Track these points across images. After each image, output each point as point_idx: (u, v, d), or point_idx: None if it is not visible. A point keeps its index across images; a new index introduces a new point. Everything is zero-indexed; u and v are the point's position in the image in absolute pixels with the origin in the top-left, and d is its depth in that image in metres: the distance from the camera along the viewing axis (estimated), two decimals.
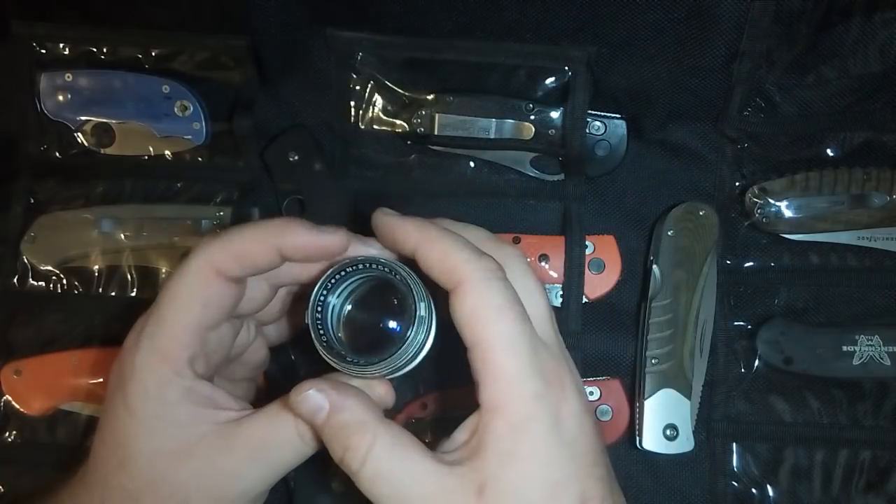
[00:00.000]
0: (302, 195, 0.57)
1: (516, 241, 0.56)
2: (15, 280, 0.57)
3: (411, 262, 0.36)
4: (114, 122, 0.58)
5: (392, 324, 0.38)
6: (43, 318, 0.57)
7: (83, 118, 0.57)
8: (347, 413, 0.33)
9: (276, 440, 0.36)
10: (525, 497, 0.32)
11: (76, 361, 0.55)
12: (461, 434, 0.34)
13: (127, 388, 0.35)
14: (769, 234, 0.57)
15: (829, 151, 0.57)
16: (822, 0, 0.50)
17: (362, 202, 0.58)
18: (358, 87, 0.57)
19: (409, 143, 0.58)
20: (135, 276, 0.57)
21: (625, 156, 0.58)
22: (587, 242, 0.56)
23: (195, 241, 0.57)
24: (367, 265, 0.35)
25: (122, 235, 0.57)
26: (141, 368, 0.35)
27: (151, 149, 0.58)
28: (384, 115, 0.58)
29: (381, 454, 0.32)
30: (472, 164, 0.58)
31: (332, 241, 0.36)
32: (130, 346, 0.36)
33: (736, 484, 0.55)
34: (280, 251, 0.36)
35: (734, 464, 0.55)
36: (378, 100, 0.58)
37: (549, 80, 0.56)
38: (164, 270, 0.58)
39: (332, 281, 0.36)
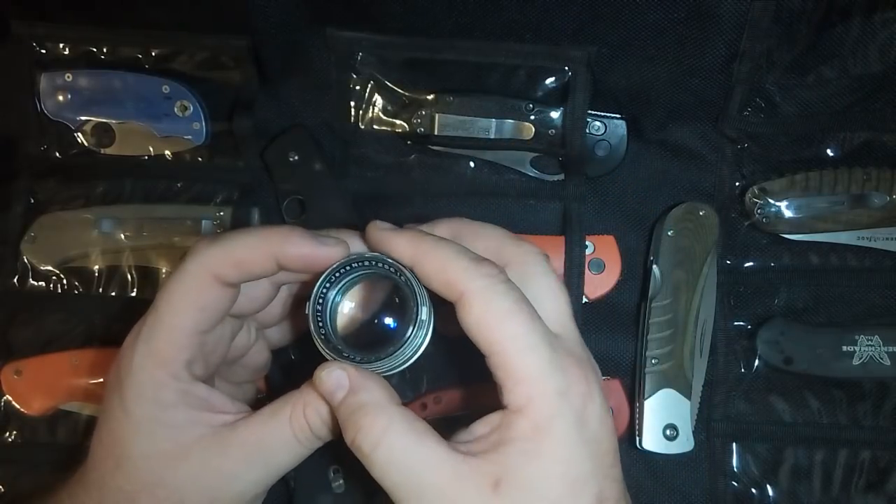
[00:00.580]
0: (302, 195, 0.57)
1: None
2: (15, 280, 0.57)
3: None
4: (114, 122, 0.58)
5: (392, 324, 0.38)
6: (43, 318, 0.57)
7: (83, 118, 0.57)
8: (365, 394, 0.33)
9: (272, 442, 0.36)
10: (542, 495, 0.31)
11: (76, 361, 0.55)
12: (481, 427, 0.34)
13: (123, 390, 0.35)
14: (769, 234, 0.57)
15: (829, 151, 0.57)
16: (822, 0, 0.50)
17: (362, 202, 0.57)
18: (358, 87, 0.57)
19: (409, 143, 0.58)
20: (135, 276, 0.57)
21: (625, 156, 0.58)
22: (587, 242, 0.56)
23: (195, 241, 0.56)
24: (374, 263, 0.35)
25: (122, 235, 0.57)
26: (137, 371, 0.35)
27: (151, 149, 0.58)
28: (384, 115, 0.58)
29: (395, 438, 0.32)
30: (472, 164, 0.58)
31: (330, 253, 0.36)
32: (127, 347, 0.36)
33: (736, 484, 0.55)
34: (277, 260, 0.36)
35: (734, 464, 0.55)
36: (378, 100, 0.58)
37: (549, 80, 0.56)
38: (164, 270, 0.58)
39: (337, 275, 0.36)
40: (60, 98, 0.57)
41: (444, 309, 0.40)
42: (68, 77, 0.57)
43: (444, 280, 0.34)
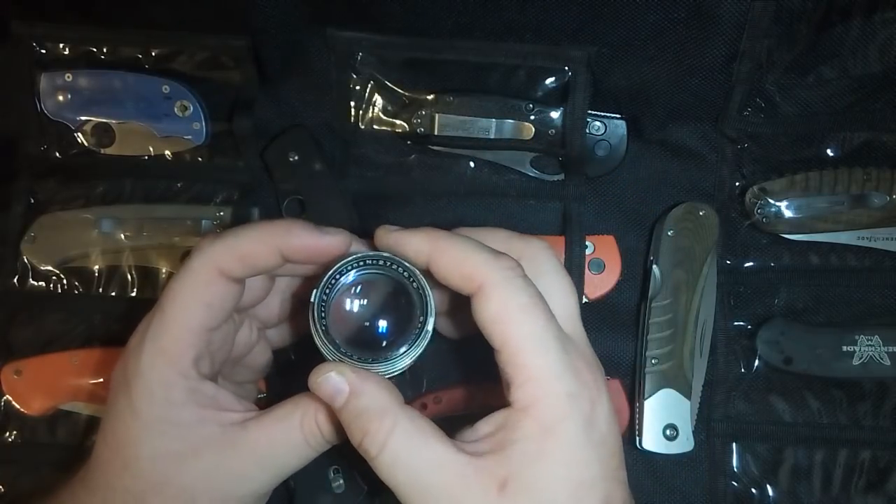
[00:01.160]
0: (302, 195, 0.57)
1: None
2: (15, 280, 0.57)
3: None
4: (114, 122, 0.58)
5: (395, 327, 0.37)
6: (43, 318, 0.57)
7: (83, 118, 0.57)
8: (367, 397, 0.33)
9: (283, 444, 0.36)
10: (549, 497, 0.31)
11: (76, 361, 0.55)
12: (486, 426, 0.34)
13: (131, 390, 0.35)
14: (769, 234, 0.57)
15: (829, 151, 0.57)
16: (822, 0, 0.50)
17: (362, 202, 0.57)
18: (358, 87, 0.57)
19: (409, 143, 0.58)
20: (135, 276, 0.57)
21: (625, 156, 0.58)
22: (587, 242, 0.56)
23: (195, 241, 0.57)
24: (387, 264, 0.35)
25: (122, 235, 0.57)
26: (146, 370, 0.35)
27: (151, 149, 0.58)
28: (384, 115, 0.58)
29: (400, 440, 0.32)
30: (472, 164, 0.58)
31: (333, 243, 0.36)
32: (134, 347, 0.36)
33: (736, 484, 0.55)
34: (282, 252, 0.36)
35: (734, 464, 0.55)
36: (378, 100, 0.58)
37: (549, 81, 0.56)
38: (164, 270, 0.58)
39: (345, 270, 0.35)
40: (60, 98, 0.57)
41: (449, 311, 0.40)
42: (68, 77, 0.57)
43: (463, 272, 0.34)
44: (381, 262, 0.35)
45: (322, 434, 0.36)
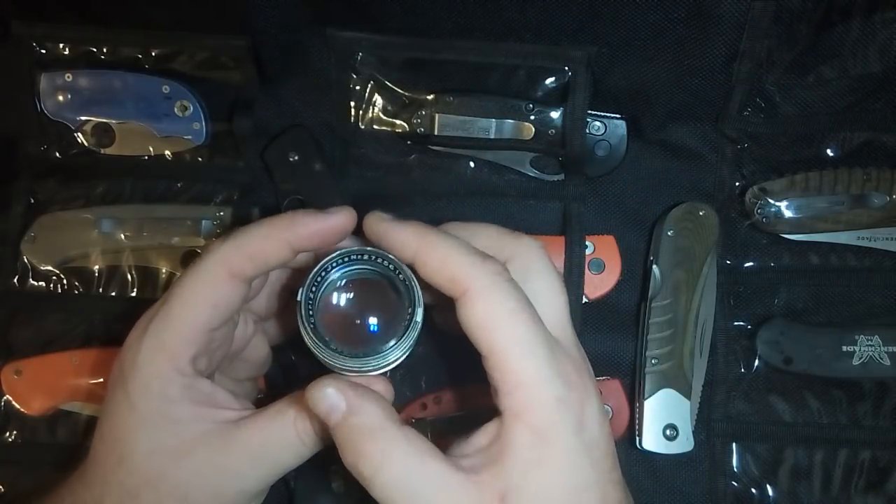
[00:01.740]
0: (302, 195, 0.57)
1: None
2: (15, 280, 0.57)
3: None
4: (114, 122, 0.58)
5: (384, 322, 0.37)
6: (43, 318, 0.57)
7: (83, 118, 0.57)
8: (364, 416, 0.33)
9: (277, 442, 0.36)
10: None
11: (76, 361, 0.55)
12: (480, 438, 0.34)
13: (128, 384, 0.35)
14: (769, 234, 0.57)
15: (829, 151, 0.57)
16: (822, 0, 0.50)
17: (362, 202, 0.57)
18: (358, 87, 0.57)
19: (409, 143, 0.58)
20: (135, 276, 0.57)
21: (625, 156, 0.58)
22: (587, 242, 0.56)
23: (195, 241, 0.57)
24: (373, 258, 0.35)
25: (122, 235, 0.57)
26: (144, 365, 0.35)
27: (151, 149, 0.58)
28: (384, 115, 0.58)
29: (396, 462, 0.32)
30: (472, 164, 0.58)
31: (339, 221, 0.36)
32: (133, 342, 0.36)
33: (736, 484, 0.55)
34: (291, 245, 0.36)
35: (734, 464, 0.55)
36: (378, 100, 0.58)
37: (549, 80, 0.56)
38: (164, 270, 0.58)
39: (332, 266, 0.35)
40: (60, 98, 0.57)
41: (445, 306, 0.39)
42: (68, 77, 0.57)
43: (448, 275, 0.33)
44: (366, 257, 0.35)
45: (317, 433, 0.36)
